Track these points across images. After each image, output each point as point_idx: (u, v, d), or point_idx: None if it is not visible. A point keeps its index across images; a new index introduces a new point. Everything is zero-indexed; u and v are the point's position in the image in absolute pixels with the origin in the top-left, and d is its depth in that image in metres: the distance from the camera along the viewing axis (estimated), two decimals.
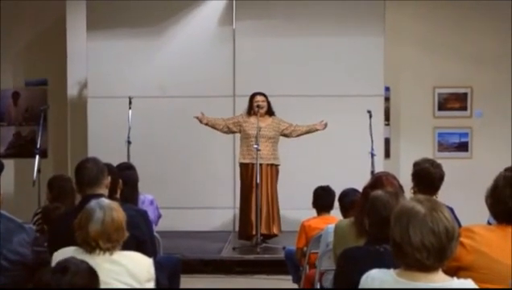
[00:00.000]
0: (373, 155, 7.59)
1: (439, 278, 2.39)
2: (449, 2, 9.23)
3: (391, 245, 2.44)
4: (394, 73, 9.17)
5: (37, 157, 7.57)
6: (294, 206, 7.83)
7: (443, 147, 9.48)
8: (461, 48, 9.32)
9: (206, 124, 7.83)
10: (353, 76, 8.74)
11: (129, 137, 7.95)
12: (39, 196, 7.33)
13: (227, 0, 8.96)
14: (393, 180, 3.76)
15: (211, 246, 7.94)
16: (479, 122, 9.43)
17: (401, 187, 3.74)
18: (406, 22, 9.30)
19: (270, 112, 7.81)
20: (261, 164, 7.48)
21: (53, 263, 2.95)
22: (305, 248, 5.33)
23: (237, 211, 8.13)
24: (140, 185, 5.39)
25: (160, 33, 8.94)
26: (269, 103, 7.80)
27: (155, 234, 4.72)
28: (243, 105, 7.98)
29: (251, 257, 7.40)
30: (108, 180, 3.93)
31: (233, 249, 7.69)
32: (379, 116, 8.60)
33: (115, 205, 3.24)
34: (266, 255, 7.38)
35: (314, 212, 5.77)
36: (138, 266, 3.18)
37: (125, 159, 7.25)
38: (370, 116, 7.76)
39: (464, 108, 9.48)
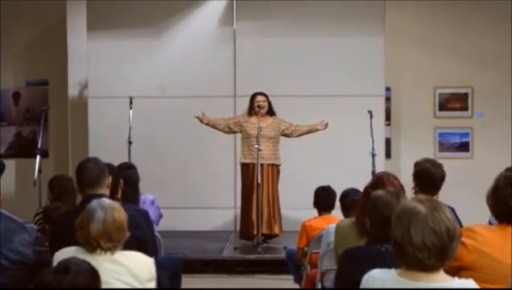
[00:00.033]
0: (373, 155, 7.60)
1: (441, 278, 2.40)
2: (449, 2, 9.23)
3: (392, 245, 2.44)
4: (394, 73, 9.16)
5: (38, 157, 7.56)
6: (295, 206, 7.83)
7: (444, 147, 9.48)
8: (461, 48, 9.31)
9: (207, 124, 7.82)
10: (354, 76, 8.73)
11: (129, 137, 7.95)
12: (40, 196, 7.35)
13: (227, 0, 8.96)
14: (394, 180, 3.75)
15: (212, 245, 7.94)
16: (480, 122, 9.42)
17: (402, 187, 3.74)
18: (406, 22, 9.30)
19: (270, 112, 7.80)
20: (262, 164, 7.48)
21: (54, 263, 2.95)
22: (306, 248, 5.34)
23: (238, 211, 8.13)
24: (141, 185, 5.38)
25: (161, 33, 8.94)
26: (270, 103, 7.80)
27: (156, 233, 4.73)
28: (244, 105, 7.98)
29: (252, 257, 7.40)
30: (109, 180, 3.93)
31: (235, 249, 7.69)
32: (380, 116, 8.59)
33: (116, 204, 3.24)
34: (267, 255, 7.38)
35: (315, 212, 5.77)
36: (140, 266, 3.18)
37: (125, 159, 7.25)
38: (371, 116, 7.76)
39: (465, 108, 9.47)
